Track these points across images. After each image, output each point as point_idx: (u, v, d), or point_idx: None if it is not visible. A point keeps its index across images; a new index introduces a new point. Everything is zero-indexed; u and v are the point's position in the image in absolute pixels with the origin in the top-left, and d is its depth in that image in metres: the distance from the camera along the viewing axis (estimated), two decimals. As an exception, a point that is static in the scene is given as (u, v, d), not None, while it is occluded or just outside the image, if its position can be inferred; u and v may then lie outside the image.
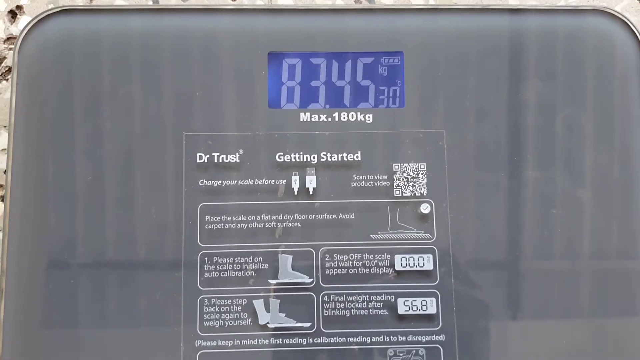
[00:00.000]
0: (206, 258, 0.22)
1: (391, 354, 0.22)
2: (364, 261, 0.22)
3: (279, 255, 0.22)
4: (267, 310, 0.22)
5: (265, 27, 0.24)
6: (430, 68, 0.24)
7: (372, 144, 0.23)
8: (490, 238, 0.23)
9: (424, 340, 0.22)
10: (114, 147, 0.23)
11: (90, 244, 0.22)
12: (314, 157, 0.23)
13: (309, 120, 0.23)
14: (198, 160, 0.23)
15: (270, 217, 0.23)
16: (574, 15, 0.24)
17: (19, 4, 0.25)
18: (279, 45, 0.24)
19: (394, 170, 0.23)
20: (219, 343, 0.21)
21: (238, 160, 0.23)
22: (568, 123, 0.23)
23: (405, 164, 0.23)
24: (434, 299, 0.22)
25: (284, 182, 0.23)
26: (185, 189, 0.22)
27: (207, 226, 0.22)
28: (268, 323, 0.22)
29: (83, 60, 0.23)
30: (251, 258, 0.22)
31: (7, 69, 0.25)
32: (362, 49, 0.24)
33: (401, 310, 0.22)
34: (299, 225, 0.22)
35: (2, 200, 0.24)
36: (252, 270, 0.22)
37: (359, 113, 0.24)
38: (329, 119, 0.23)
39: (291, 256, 0.22)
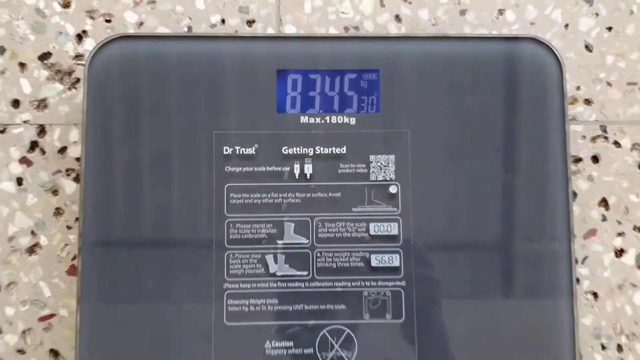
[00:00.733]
0: (231, 224, 0.30)
1: (365, 295, 0.30)
2: (347, 227, 0.30)
3: (284, 223, 0.30)
4: (275, 263, 0.30)
5: (275, 51, 0.31)
6: (399, 83, 0.31)
7: (354, 141, 0.31)
8: (441, 212, 0.30)
9: (389, 285, 0.30)
10: (162, 142, 0.30)
11: (145, 217, 0.30)
12: (310, 150, 0.31)
13: (307, 122, 0.31)
14: (224, 152, 0.30)
15: (278, 195, 0.30)
16: (512, 42, 0.32)
17: (85, 29, 0.33)
18: (285, 64, 0.31)
19: (370, 160, 0.31)
20: (240, 286, 0.29)
21: (254, 152, 0.30)
22: (502, 127, 0.31)
23: (379, 156, 0.31)
24: (397, 255, 0.30)
25: (288, 169, 0.30)
26: (215, 173, 0.30)
27: (231, 201, 0.30)
28: (276, 272, 0.30)
29: (138, 75, 0.31)
30: (264, 225, 0.30)
31: (75, 80, 0.33)
32: (348, 67, 0.31)
33: (373, 263, 0.30)
34: (299, 201, 0.30)
35: (75, 181, 0.32)
36: (264, 233, 0.30)
37: (345, 117, 0.31)
38: (322, 121, 0.31)
39: (293, 224, 0.30)
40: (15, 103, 0.32)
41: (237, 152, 0.30)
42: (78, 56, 0.33)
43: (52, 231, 0.31)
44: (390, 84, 0.31)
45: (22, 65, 0.32)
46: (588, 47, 0.34)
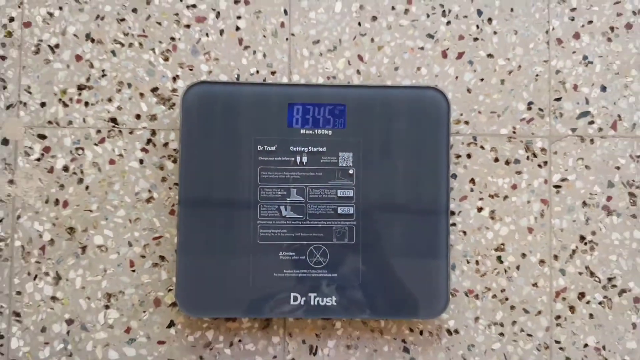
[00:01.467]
0: (261, 189, 0.55)
1: (334, 228, 0.55)
2: (325, 192, 0.55)
3: (290, 189, 0.55)
4: (285, 210, 0.55)
5: (287, 91, 0.56)
6: (357, 111, 0.56)
7: (330, 144, 0.55)
8: (377, 185, 0.55)
9: (347, 224, 0.55)
10: (224, 142, 0.55)
11: (215, 185, 0.54)
12: (306, 149, 0.55)
13: (304, 132, 0.55)
14: (258, 149, 0.55)
15: (287, 173, 0.55)
16: (419, 90, 0.56)
17: (177, 74, 0.57)
18: (292, 99, 0.55)
19: (339, 155, 0.55)
20: (266, 222, 0.54)
21: (274, 149, 0.55)
22: (414, 137, 0.56)
23: (344, 153, 0.55)
24: (352, 208, 0.55)
25: (293, 159, 0.55)
26: (253, 161, 0.55)
27: (262, 176, 0.55)
28: (286, 215, 0.55)
29: (210, 103, 0.55)
30: (279, 190, 0.55)
31: (172, 104, 0.57)
32: (328, 102, 0.56)
33: (339, 211, 0.55)
34: (298, 176, 0.55)
35: (173, 162, 0.56)
36: (279, 194, 0.55)
37: (325, 130, 0.56)
38: (312, 132, 0.55)
39: (295, 189, 0.55)
40: (137, 117, 0.57)
41: (265, 149, 0.55)
42: (174, 90, 0.57)
43: (160, 190, 0.56)
44: (352, 112, 0.56)
45: (141, 94, 0.57)
46: (468, 90, 0.58)
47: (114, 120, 0.56)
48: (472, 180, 0.58)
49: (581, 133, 0.58)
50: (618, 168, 0.58)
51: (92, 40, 0.57)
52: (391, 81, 0.58)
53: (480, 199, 0.57)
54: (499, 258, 0.57)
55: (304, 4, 0.57)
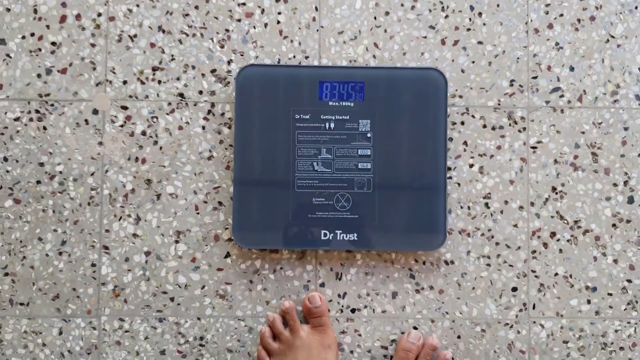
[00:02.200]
0: (297, 149, 0.69)
1: (355, 179, 0.69)
2: (349, 151, 0.69)
3: (321, 148, 0.69)
4: (317, 165, 0.69)
5: (319, 71, 0.70)
6: (374, 88, 0.70)
7: (353, 113, 0.70)
8: (389, 146, 0.70)
9: (366, 176, 0.69)
10: (270, 111, 0.69)
11: (262, 142, 0.69)
12: (333, 117, 0.70)
13: (332, 104, 0.70)
14: (296, 117, 0.70)
15: (318, 137, 0.70)
16: (423, 70, 0.71)
17: (231, 59, 0.72)
18: (323, 78, 0.70)
19: (359, 122, 0.70)
20: (302, 174, 0.69)
21: (308, 117, 0.70)
22: (418, 107, 0.70)
23: (363, 120, 0.70)
24: (370, 163, 0.69)
25: (323, 124, 0.70)
26: (292, 126, 0.69)
27: (299, 138, 0.69)
28: (317, 169, 0.69)
29: (258, 82, 0.70)
30: (312, 149, 0.69)
31: (227, 82, 0.72)
32: (350, 80, 0.70)
33: (359, 166, 0.69)
34: (327, 139, 0.70)
35: (229, 128, 0.71)
36: (312, 153, 0.69)
37: (349, 102, 0.70)
38: (338, 104, 0.70)
39: (325, 149, 0.69)
40: (200, 92, 0.72)
41: (301, 117, 0.70)
42: (228, 71, 0.72)
43: (218, 150, 0.71)
44: (370, 88, 0.70)
45: (203, 75, 0.72)
46: (462, 70, 0.73)
47: (181, 95, 0.71)
48: (465, 142, 0.72)
49: (553, 105, 0.72)
50: (583, 133, 0.72)
51: (163, 31, 0.72)
52: (400, 64, 0.72)
53: (472, 157, 0.72)
54: (486, 204, 0.72)
55: (331, 2, 0.72)
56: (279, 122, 0.69)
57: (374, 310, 0.71)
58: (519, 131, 0.72)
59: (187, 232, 0.71)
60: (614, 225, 0.71)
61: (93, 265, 0.70)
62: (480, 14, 0.72)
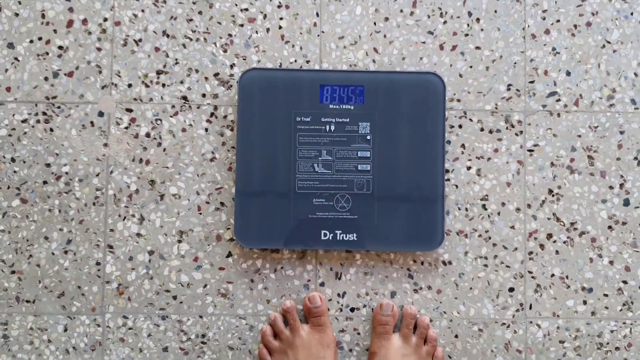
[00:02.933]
0: (299, 150, 0.71)
1: (355, 180, 0.71)
2: (348, 153, 0.71)
3: (321, 149, 0.71)
4: (318, 166, 0.71)
5: (319, 75, 0.72)
6: (373, 91, 0.72)
7: (352, 115, 0.71)
8: (388, 148, 0.71)
9: (365, 177, 0.71)
10: (271, 114, 0.71)
11: (262, 141, 0.71)
12: (333, 119, 0.71)
13: (332, 107, 0.71)
14: (297, 120, 0.71)
15: (319, 139, 0.71)
16: (422, 75, 0.72)
17: (234, 63, 0.73)
18: (323, 81, 0.72)
19: (359, 124, 0.71)
20: (302, 175, 0.70)
21: (309, 120, 0.71)
22: (417, 110, 0.71)
23: (363, 123, 0.71)
24: (369, 165, 0.71)
25: (323, 127, 0.71)
26: (292, 128, 0.71)
27: (299, 140, 0.71)
28: (318, 171, 0.71)
29: (260, 85, 0.71)
30: (312, 151, 0.71)
31: (230, 85, 0.73)
32: (350, 83, 0.72)
33: (359, 168, 0.71)
34: (328, 141, 0.71)
35: (231, 130, 0.73)
36: (313, 154, 0.71)
37: (348, 105, 0.72)
38: (339, 107, 0.71)
39: (325, 150, 0.71)
40: (203, 95, 0.73)
41: (302, 120, 0.71)
42: (231, 75, 0.73)
43: (221, 152, 0.73)
44: (369, 91, 0.72)
45: (206, 78, 0.73)
46: (460, 75, 0.74)
47: (185, 98, 0.73)
48: (463, 145, 0.74)
49: (550, 109, 0.74)
50: (579, 136, 0.73)
51: (167, 36, 0.73)
52: (400, 68, 0.74)
53: (469, 159, 0.73)
54: (483, 206, 0.73)
55: (331, 8, 0.74)
56: (280, 125, 0.71)
57: (372, 309, 0.72)
58: (516, 134, 0.73)
59: (189, 232, 0.72)
60: (609, 227, 0.73)
61: (98, 263, 0.72)
62: (478, 19, 0.74)
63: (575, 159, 0.73)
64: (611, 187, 0.73)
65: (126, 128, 0.73)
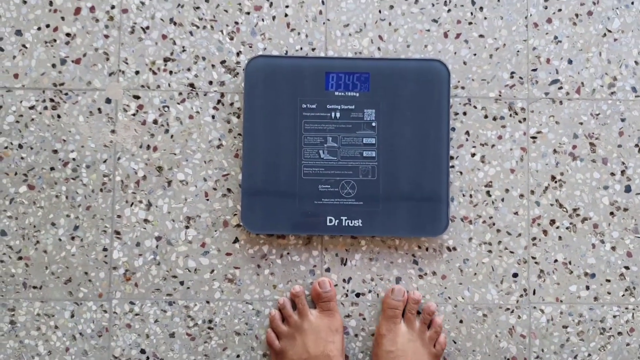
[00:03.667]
0: (304, 137, 0.71)
1: (360, 167, 0.71)
2: (354, 139, 0.72)
3: (327, 136, 0.72)
4: (323, 153, 0.71)
5: (325, 62, 0.73)
6: (379, 79, 0.72)
7: (358, 102, 0.72)
8: (393, 134, 0.72)
9: (370, 164, 0.71)
10: (277, 100, 0.72)
11: (269, 127, 0.71)
12: (339, 106, 0.72)
13: (338, 94, 0.72)
14: (302, 107, 0.72)
15: (324, 125, 0.72)
16: (426, 62, 0.73)
17: (240, 50, 0.74)
18: (329, 69, 0.72)
19: (364, 111, 0.72)
20: (308, 162, 0.71)
21: (315, 107, 0.72)
22: (421, 95, 0.72)
23: (368, 110, 0.72)
24: (374, 152, 0.72)
25: (329, 114, 0.72)
26: (299, 115, 0.72)
27: (305, 127, 0.71)
28: (323, 157, 0.71)
29: (267, 72, 0.72)
30: (318, 137, 0.71)
31: (236, 73, 0.74)
32: (356, 71, 0.73)
33: (364, 155, 0.71)
34: (333, 128, 0.72)
35: (238, 117, 0.74)
36: (318, 141, 0.71)
37: (354, 92, 0.72)
38: (344, 94, 0.72)
39: (331, 137, 0.72)
40: (210, 83, 0.74)
41: (307, 107, 0.72)
42: (237, 62, 0.74)
43: (227, 139, 0.73)
44: (374, 79, 0.73)
45: (213, 66, 0.74)
46: (464, 63, 0.75)
47: (192, 85, 0.74)
48: (467, 132, 0.74)
49: (552, 96, 0.75)
50: (581, 123, 0.74)
51: (175, 23, 0.74)
52: (404, 55, 0.75)
53: (473, 146, 0.74)
54: (487, 192, 0.74)
55: (337, -4, 0.75)
56: (286, 112, 0.72)
57: (378, 294, 0.73)
58: (519, 122, 0.74)
59: (196, 218, 0.72)
60: (611, 213, 0.74)
61: (105, 249, 0.72)
62: (481, 8, 0.75)
63: (577, 146, 0.74)
64: (613, 174, 0.74)
65: (133, 115, 0.73)
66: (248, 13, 0.74)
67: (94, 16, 0.74)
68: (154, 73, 0.73)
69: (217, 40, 0.74)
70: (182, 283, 0.72)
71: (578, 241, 0.73)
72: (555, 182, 0.74)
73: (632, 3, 0.75)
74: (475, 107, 0.74)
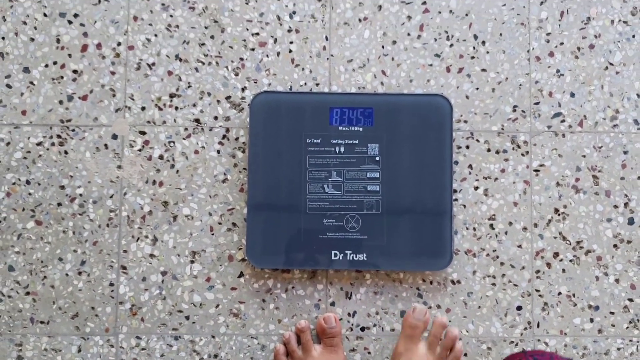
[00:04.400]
0: (309, 171, 0.72)
1: (364, 201, 0.72)
2: (358, 174, 0.72)
3: (331, 171, 0.72)
4: (328, 187, 0.72)
5: (328, 98, 0.73)
6: (382, 113, 0.73)
7: (361, 137, 0.73)
8: (396, 168, 0.72)
9: (374, 198, 0.72)
10: (282, 135, 0.72)
11: (274, 161, 0.72)
12: (342, 141, 0.73)
13: (342, 129, 0.73)
14: (307, 141, 0.72)
15: (329, 160, 0.72)
16: (429, 97, 0.74)
17: (245, 86, 0.75)
18: (333, 104, 0.73)
19: (368, 146, 0.73)
20: (313, 196, 0.72)
21: (319, 142, 0.73)
22: (424, 130, 0.73)
23: (372, 144, 0.73)
24: (378, 186, 0.72)
25: (333, 149, 0.72)
26: (303, 150, 0.72)
27: (309, 161, 0.72)
28: (328, 192, 0.72)
29: (271, 107, 0.73)
30: (322, 172, 0.72)
31: (241, 108, 0.75)
32: (359, 106, 0.73)
33: (368, 188, 0.72)
34: (337, 162, 0.72)
35: (242, 152, 0.74)
36: (322, 175, 0.72)
37: (358, 127, 0.73)
38: (348, 129, 0.73)
39: (335, 171, 0.72)
40: (215, 118, 0.75)
41: (312, 142, 0.73)
42: (243, 98, 0.75)
43: (232, 173, 0.74)
44: (378, 113, 0.73)
45: (218, 101, 0.75)
46: (467, 97, 0.76)
47: (197, 120, 0.75)
48: (470, 166, 0.75)
49: (555, 129, 0.75)
50: (584, 156, 0.75)
51: (180, 60, 0.75)
52: (407, 90, 0.75)
53: (477, 180, 0.75)
54: (491, 225, 0.74)
55: (340, 32, 0.75)
56: (291, 146, 0.72)
57: (382, 328, 0.73)
58: (522, 155, 0.75)
59: (202, 253, 0.73)
60: (615, 245, 0.74)
61: (111, 284, 0.73)
62: (483, 42, 0.76)
63: (580, 178, 0.74)
64: (616, 206, 0.74)
65: (139, 150, 0.74)
66: (253, 49, 0.75)
67: (100, 53, 0.75)
68: (160, 109, 0.74)
69: (223, 76, 0.75)
70: (187, 318, 0.72)
71: (582, 274, 0.74)
72: (559, 214, 0.74)
73: (634, 36, 0.76)
74: (478, 140, 0.75)
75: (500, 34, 0.76)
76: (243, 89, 0.75)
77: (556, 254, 0.74)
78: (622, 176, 0.74)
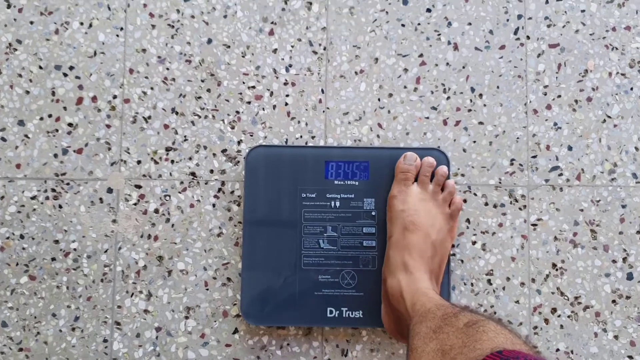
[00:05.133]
0: (304, 227, 0.71)
1: (360, 257, 0.71)
2: (353, 229, 0.72)
3: (327, 226, 0.72)
4: (323, 243, 0.72)
5: (324, 151, 0.73)
6: (378, 167, 0.73)
7: (357, 191, 0.72)
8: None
9: (370, 254, 0.71)
10: (277, 189, 0.72)
11: (270, 221, 0.72)
12: (338, 195, 0.72)
13: (337, 183, 0.72)
14: (302, 196, 0.72)
15: (324, 215, 0.72)
16: (426, 150, 0.73)
17: (241, 139, 0.75)
18: (328, 158, 0.73)
19: (364, 200, 0.72)
20: (308, 252, 0.71)
21: (314, 196, 0.72)
22: (421, 187, 0.72)
23: (368, 199, 0.72)
24: (374, 241, 0.72)
25: (329, 203, 0.72)
26: (299, 204, 0.72)
27: (305, 216, 0.72)
28: (323, 247, 0.72)
29: (267, 160, 0.72)
30: (318, 227, 0.71)
31: (237, 161, 0.74)
32: (355, 159, 0.73)
33: (364, 244, 0.71)
34: (333, 217, 0.72)
35: (238, 205, 0.74)
36: (318, 230, 0.71)
37: (353, 181, 0.73)
38: (344, 183, 0.72)
39: (331, 227, 0.72)
40: (211, 171, 0.74)
41: (308, 196, 0.72)
42: (238, 151, 0.75)
43: (228, 227, 0.74)
44: (374, 167, 0.73)
45: (214, 154, 0.74)
46: (464, 150, 0.75)
47: (193, 174, 0.74)
48: (468, 220, 0.74)
49: (553, 183, 0.75)
50: (582, 210, 0.74)
51: (176, 113, 0.75)
52: (404, 143, 0.75)
53: (474, 234, 0.74)
54: (488, 281, 0.74)
55: (336, 85, 0.75)
56: (287, 200, 0.72)
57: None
58: (520, 209, 0.74)
59: (196, 308, 0.72)
60: (613, 301, 0.73)
61: (105, 340, 0.72)
62: (480, 95, 0.75)
63: (578, 233, 0.74)
64: (614, 261, 0.73)
65: (135, 204, 0.74)
66: (249, 102, 0.75)
67: (95, 106, 0.75)
68: (156, 162, 0.74)
69: (219, 129, 0.75)
70: (182, 375, 0.72)
71: (580, 330, 0.73)
72: (557, 269, 0.73)
73: (632, 89, 0.75)
74: (475, 194, 0.74)
75: (498, 87, 0.75)
76: (239, 142, 0.75)
77: (554, 310, 0.73)
78: (621, 230, 0.74)
